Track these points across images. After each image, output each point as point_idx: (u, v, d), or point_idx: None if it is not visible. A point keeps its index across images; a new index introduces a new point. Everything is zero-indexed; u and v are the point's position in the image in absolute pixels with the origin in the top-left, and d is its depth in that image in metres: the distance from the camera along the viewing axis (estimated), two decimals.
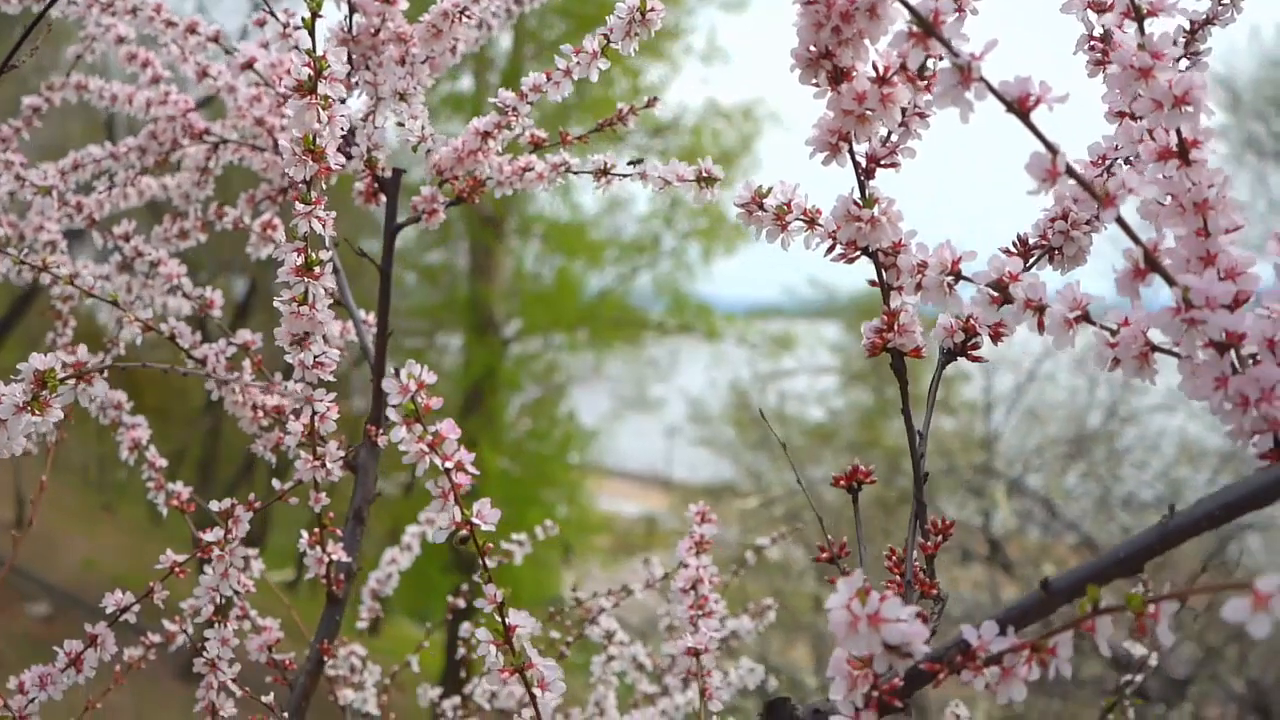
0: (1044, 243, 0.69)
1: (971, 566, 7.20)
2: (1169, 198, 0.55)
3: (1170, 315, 0.52)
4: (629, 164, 0.92)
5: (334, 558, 0.98)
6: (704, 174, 0.84)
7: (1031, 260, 0.70)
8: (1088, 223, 0.68)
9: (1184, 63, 0.72)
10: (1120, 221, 0.52)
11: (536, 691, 0.65)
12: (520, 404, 11.62)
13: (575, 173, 0.97)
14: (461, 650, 1.37)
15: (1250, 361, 0.52)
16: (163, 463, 1.12)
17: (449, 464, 0.63)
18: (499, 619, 0.65)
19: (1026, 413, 6.94)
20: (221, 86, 1.15)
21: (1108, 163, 0.70)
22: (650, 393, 12.69)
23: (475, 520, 0.64)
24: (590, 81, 0.95)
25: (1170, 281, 0.52)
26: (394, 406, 0.62)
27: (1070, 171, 0.51)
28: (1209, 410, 0.53)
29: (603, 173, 0.95)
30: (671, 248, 11.80)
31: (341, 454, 0.92)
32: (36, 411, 0.68)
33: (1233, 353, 0.53)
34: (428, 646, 1.55)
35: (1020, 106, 0.51)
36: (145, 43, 1.24)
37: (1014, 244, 0.70)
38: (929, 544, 0.63)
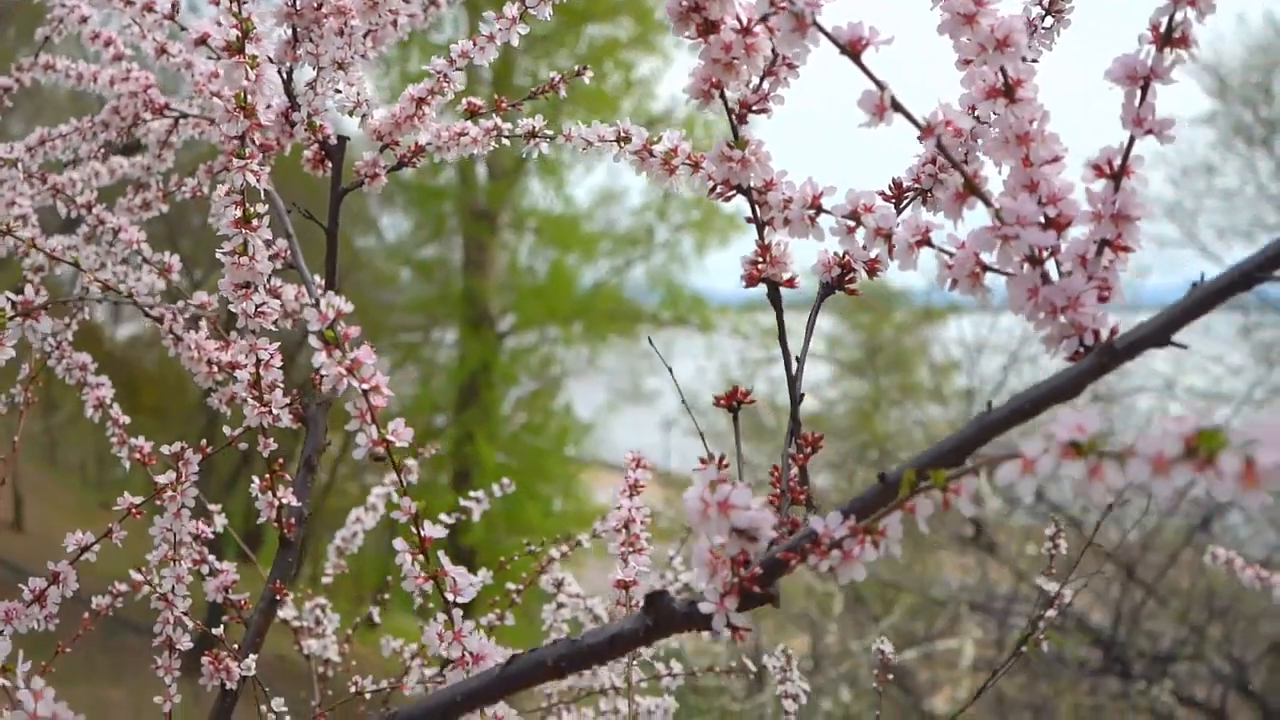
0: (916, 185, 0.75)
1: (966, 554, 7.28)
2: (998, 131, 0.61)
3: (989, 233, 0.58)
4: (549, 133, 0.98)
5: (285, 502, 1.04)
6: (623, 134, 0.90)
7: (906, 201, 0.76)
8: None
9: (1049, 20, 0.78)
10: (942, 150, 0.58)
11: (449, 596, 0.72)
12: (516, 398, 11.68)
13: (507, 137, 1.03)
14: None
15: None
16: (125, 420, 1.18)
17: (366, 386, 0.69)
18: (415, 531, 0.72)
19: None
20: (179, 62, 1.21)
21: (976, 110, 0.76)
22: (645, 385, 12.73)
23: (390, 438, 0.70)
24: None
25: (987, 203, 0.58)
26: (314, 333, 0.68)
27: (895, 105, 0.57)
28: (1025, 319, 0.59)
29: (531, 135, 1.01)
30: (665, 240, 11.85)
31: (286, 401, 0.98)
32: None
33: (1050, 266, 0.59)
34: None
35: (853, 49, 0.57)
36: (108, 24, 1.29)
37: (889, 186, 0.76)
38: (801, 456, 0.69)
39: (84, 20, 1.25)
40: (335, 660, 1.37)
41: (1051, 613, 1.12)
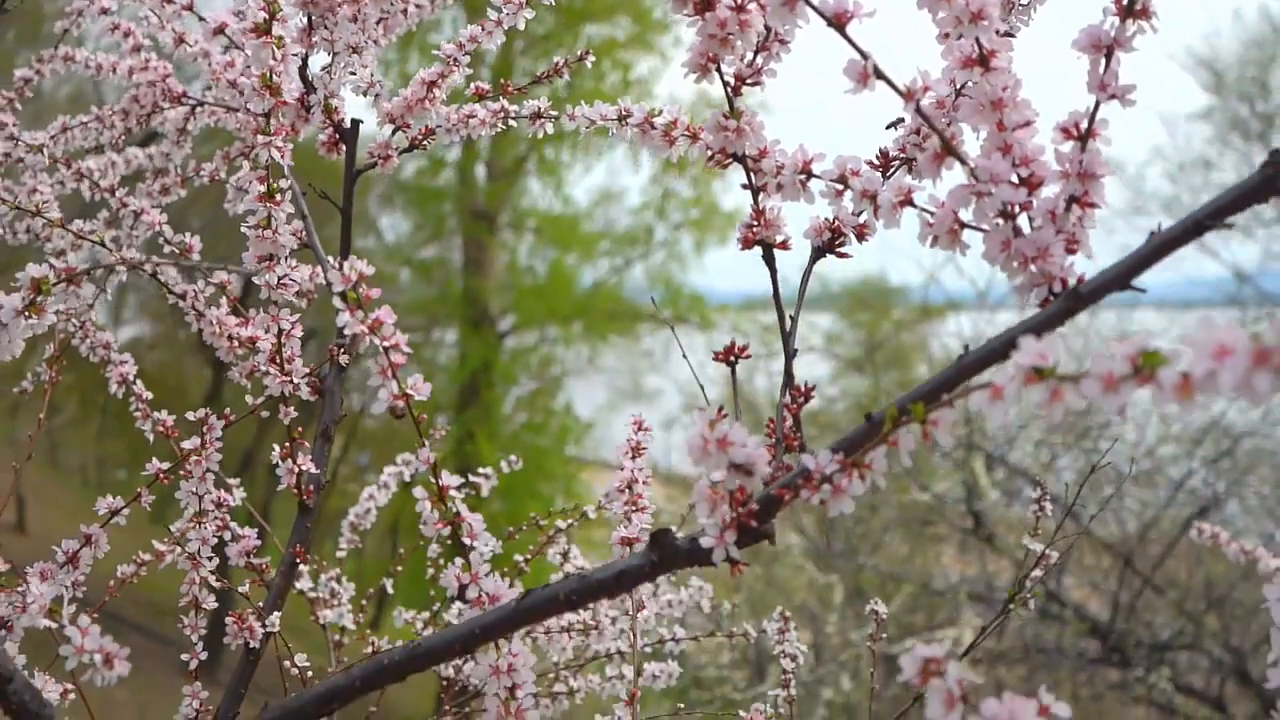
0: (902, 154, 0.80)
1: (969, 549, 7.33)
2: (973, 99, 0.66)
3: (966, 191, 0.63)
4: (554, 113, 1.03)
5: (304, 469, 1.09)
6: (624, 112, 0.95)
7: (892, 170, 0.81)
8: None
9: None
10: (921, 114, 0.63)
11: (466, 540, 0.76)
12: (516, 397, 11.72)
13: (514, 118, 1.08)
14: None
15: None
16: (149, 395, 1.23)
17: (387, 344, 0.74)
18: (434, 480, 0.77)
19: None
20: (196, 52, 1.25)
21: (958, 84, 0.81)
22: (645, 384, 12.76)
23: (410, 392, 0.75)
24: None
25: (964, 163, 0.63)
26: (338, 294, 0.73)
27: (878, 73, 0.62)
28: (1000, 269, 0.64)
29: (537, 116, 1.06)
30: (664, 239, 11.91)
31: (307, 371, 1.03)
32: (33, 314, 0.79)
33: (1023, 221, 0.64)
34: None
35: (838, 21, 0.62)
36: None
37: (876, 156, 0.81)
38: (794, 405, 0.74)
39: (104, 12, 1.30)
40: (351, 628, 1.42)
41: (1038, 572, 1.17)
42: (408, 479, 1.62)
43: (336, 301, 0.73)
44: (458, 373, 10.97)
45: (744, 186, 0.75)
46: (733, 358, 0.76)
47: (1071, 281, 0.62)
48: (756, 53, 0.72)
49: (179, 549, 1.07)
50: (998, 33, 0.66)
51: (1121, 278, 0.58)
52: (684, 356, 1.10)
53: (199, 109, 1.30)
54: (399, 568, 1.60)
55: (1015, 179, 0.63)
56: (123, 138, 1.31)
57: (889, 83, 0.63)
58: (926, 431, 0.57)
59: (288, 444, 1.08)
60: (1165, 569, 6.47)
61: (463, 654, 0.70)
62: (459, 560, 0.76)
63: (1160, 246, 0.58)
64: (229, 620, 1.08)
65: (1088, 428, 6.97)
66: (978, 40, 0.65)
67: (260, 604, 1.07)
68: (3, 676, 0.69)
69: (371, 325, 0.73)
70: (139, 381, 1.24)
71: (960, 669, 0.53)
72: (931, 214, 0.67)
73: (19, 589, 0.76)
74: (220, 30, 1.19)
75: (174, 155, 1.31)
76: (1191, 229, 0.57)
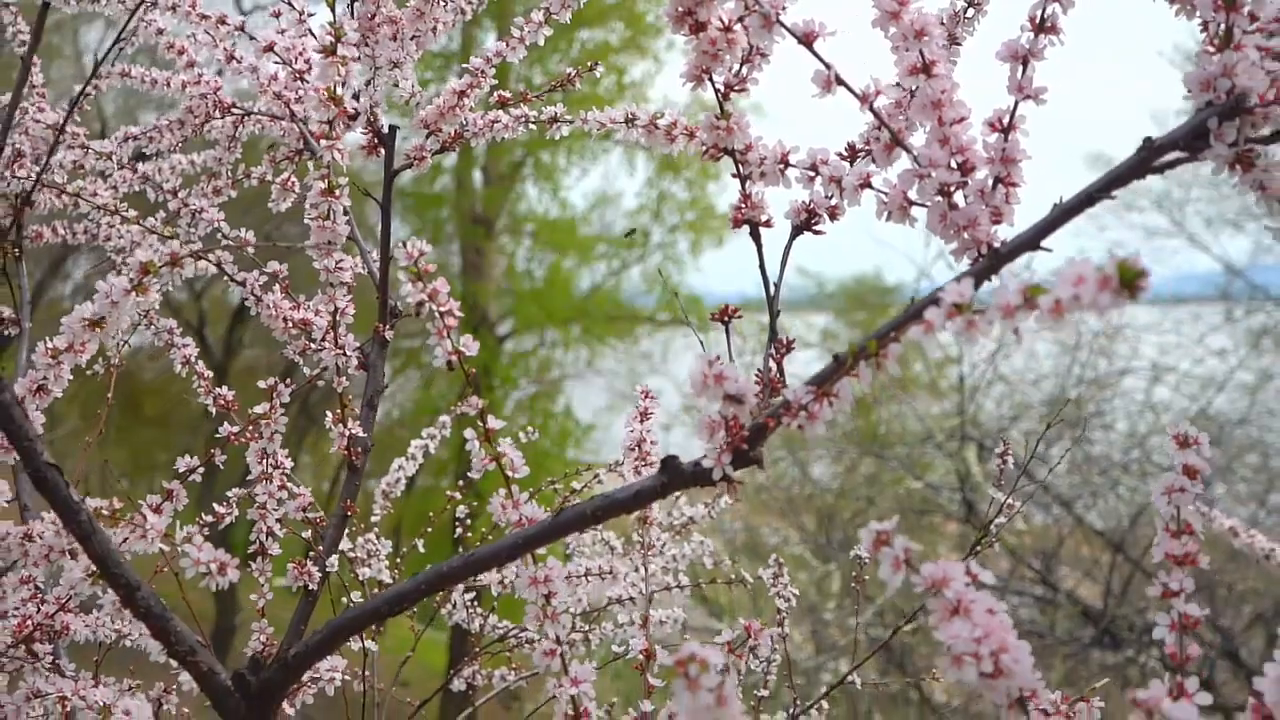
0: (866, 147, 0.96)
1: (965, 546, 7.49)
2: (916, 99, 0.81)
3: (910, 174, 0.79)
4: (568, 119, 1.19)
5: (353, 433, 1.24)
6: (630, 115, 1.11)
7: (857, 159, 0.96)
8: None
9: (970, 10, 0.98)
10: (874, 113, 0.79)
11: (509, 473, 0.92)
12: (516, 401, 11.87)
13: (532, 123, 1.23)
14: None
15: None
16: (210, 374, 1.38)
17: (442, 309, 0.89)
18: (481, 422, 0.92)
19: (1003, 382, 7.23)
20: (245, 67, 1.41)
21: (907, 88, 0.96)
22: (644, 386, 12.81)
23: (461, 348, 0.90)
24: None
25: (909, 152, 0.78)
26: (403, 268, 0.88)
27: (839, 80, 0.78)
28: (939, 236, 0.79)
29: (553, 120, 1.22)
30: (660, 241, 12.07)
31: (358, 344, 1.18)
32: (140, 293, 0.95)
33: (959, 198, 0.80)
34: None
35: (806, 39, 0.78)
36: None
37: (845, 149, 0.96)
38: (778, 355, 0.89)
39: (160, 32, 1.46)
40: (388, 582, 1.57)
41: (1002, 520, 1.32)
42: (431, 451, 1.78)
43: (401, 275, 0.89)
44: (458, 377, 11.10)
45: (733, 175, 0.91)
46: (727, 318, 0.92)
47: (995, 245, 0.77)
48: (742, 64, 0.87)
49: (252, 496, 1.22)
50: (946, 44, 0.82)
51: (1032, 241, 0.74)
52: (699, 341, 1.25)
53: (247, 118, 1.46)
54: (429, 529, 1.75)
55: (952, 164, 0.78)
56: (179, 144, 1.47)
57: (848, 88, 0.78)
58: (880, 362, 0.73)
59: (339, 410, 1.23)
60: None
61: (509, 561, 0.86)
62: (502, 490, 0.91)
63: (1061, 214, 0.73)
64: (290, 566, 1.23)
65: (1080, 418, 7.14)
66: (921, 52, 0.80)
67: (319, 547, 1.22)
68: (131, 584, 0.84)
69: (430, 293, 0.89)
70: (200, 362, 1.39)
71: (905, 540, 0.68)
72: (886, 194, 0.83)
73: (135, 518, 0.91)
74: (269, 49, 1.35)
75: (225, 159, 1.47)
76: (1085, 200, 0.73)
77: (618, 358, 12.68)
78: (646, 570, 1.14)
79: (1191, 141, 0.71)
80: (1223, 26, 0.70)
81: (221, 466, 1.15)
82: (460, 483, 1.83)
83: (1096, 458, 7.17)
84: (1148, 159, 0.71)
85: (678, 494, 1.90)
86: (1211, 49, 0.71)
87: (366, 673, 1.49)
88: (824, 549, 7.33)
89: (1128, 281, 0.54)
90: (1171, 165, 0.72)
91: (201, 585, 0.84)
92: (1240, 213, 9.09)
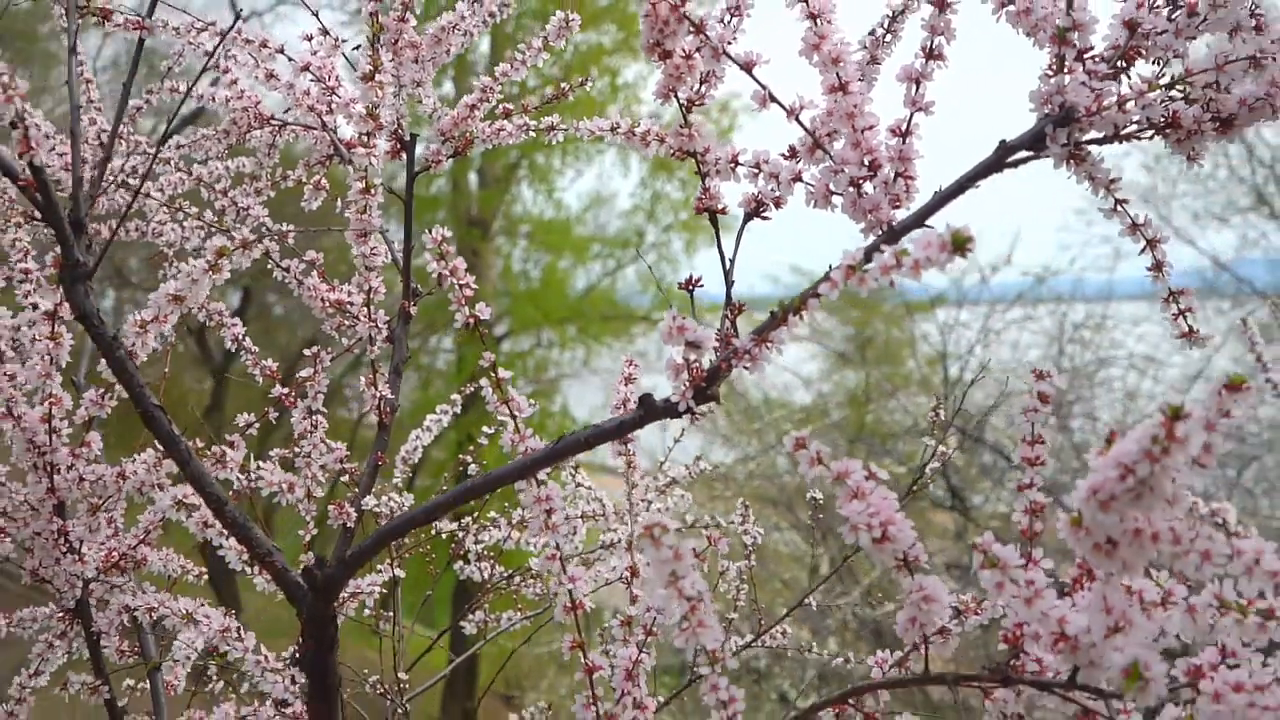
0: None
1: (950, 534, 7.75)
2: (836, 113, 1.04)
3: (829, 170, 1.01)
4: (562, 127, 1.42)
5: (383, 394, 1.47)
6: (615, 124, 1.33)
7: (796, 159, 1.18)
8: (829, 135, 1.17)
9: (888, 36, 1.21)
10: (800, 124, 1.01)
11: (516, 413, 1.14)
12: None
13: (534, 131, 1.46)
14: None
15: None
16: (256, 349, 1.60)
17: (461, 281, 1.12)
18: (494, 375, 1.14)
19: (985, 371, 7.47)
20: (283, 84, 1.63)
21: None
22: (640, 385, 13.00)
23: (477, 314, 1.13)
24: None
25: (828, 154, 1.01)
26: (428, 249, 1.11)
27: (772, 98, 1.00)
28: (853, 220, 1.02)
29: (552, 128, 1.44)
30: (654, 241, 12.29)
31: (388, 319, 1.41)
32: (214, 272, 1.17)
33: (869, 189, 1.02)
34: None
35: (747, 66, 1.00)
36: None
37: (787, 149, 1.19)
38: (732, 313, 1.12)
39: (209, 54, 1.68)
40: (407, 541, 1.79)
41: (935, 465, 1.55)
42: (445, 424, 2.01)
43: (427, 255, 1.11)
44: (456, 377, 11.32)
45: (694, 173, 1.13)
46: (690, 287, 1.15)
47: (894, 224, 1.00)
48: (700, 84, 1.10)
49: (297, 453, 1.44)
50: (867, 63, 1.04)
51: (917, 220, 0.97)
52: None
53: (284, 128, 1.68)
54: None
55: (863, 162, 1.01)
56: (224, 153, 1.69)
57: (780, 104, 1.01)
58: (802, 313, 0.95)
59: (370, 375, 1.46)
60: None
61: (520, 479, 1.08)
62: (511, 425, 1.13)
63: (939, 200, 0.96)
64: (330, 507, 1.45)
65: (1063, 403, 7.38)
66: (837, 74, 1.03)
67: (354, 491, 1.44)
68: (220, 499, 1.06)
69: (451, 269, 1.12)
70: (248, 339, 1.62)
71: (820, 444, 0.91)
72: (812, 187, 1.05)
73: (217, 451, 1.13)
74: (305, 68, 1.57)
75: (265, 164, 1.69)
76: (957, 189, 0.95)
77: (614, 357, 12.87)
78: (633, 510, 1.36)
79: (1034, 143, 0.93)
80: (1057, 55, 0.93)
81: (274, 421, 1.38)
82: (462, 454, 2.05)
83: (1080, 445, 7.41)
84: (1003, 156, 0.94)
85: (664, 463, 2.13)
86: (1050, 72, 0.93)
87: (388, 611, 1.71)
88: (812, 533, 7.56)
89: (958, 245, 0.77)
90: (1023, 162, 0.95)
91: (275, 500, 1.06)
92: (1225, 208, 9.33)
